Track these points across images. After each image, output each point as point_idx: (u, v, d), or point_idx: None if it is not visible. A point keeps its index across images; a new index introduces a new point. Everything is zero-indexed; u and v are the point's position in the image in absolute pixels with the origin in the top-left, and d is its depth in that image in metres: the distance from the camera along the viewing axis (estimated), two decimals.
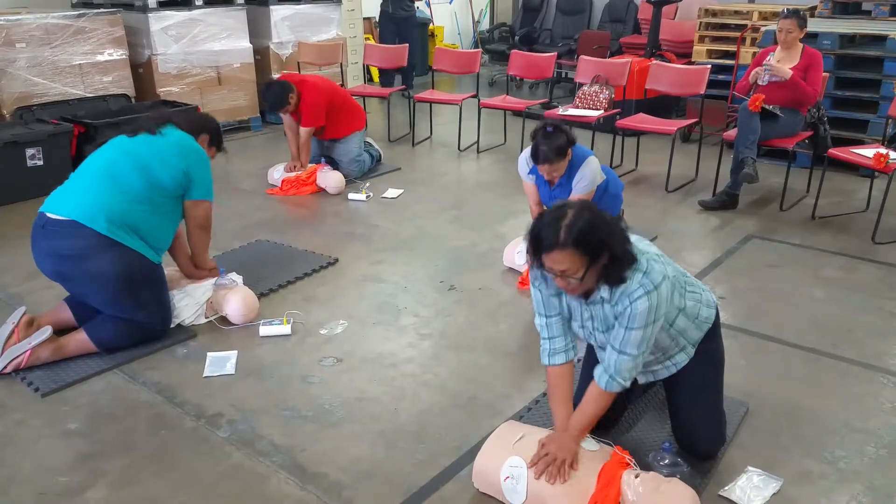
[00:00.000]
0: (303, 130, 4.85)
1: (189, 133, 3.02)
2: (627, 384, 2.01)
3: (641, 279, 1.90)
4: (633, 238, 2.02)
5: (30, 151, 4.63)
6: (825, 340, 2.96)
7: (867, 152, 4.11)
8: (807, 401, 2.55)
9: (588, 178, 3.30)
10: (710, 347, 2.19)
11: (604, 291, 1.95)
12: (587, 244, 1.81)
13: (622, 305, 1.92)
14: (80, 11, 5.50)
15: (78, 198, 2.74)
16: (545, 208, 3.55)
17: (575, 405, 2.10)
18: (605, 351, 2.04)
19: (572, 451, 1.98)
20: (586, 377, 2.24)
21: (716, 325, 2.20)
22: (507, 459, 2.03)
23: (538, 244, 1.85)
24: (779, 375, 2.72)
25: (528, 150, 3.30)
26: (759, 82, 4.41)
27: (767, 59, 4.43)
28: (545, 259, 1.85)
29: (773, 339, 2.98)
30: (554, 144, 3.14)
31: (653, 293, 1.90)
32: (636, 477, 1.94)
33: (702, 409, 2.20)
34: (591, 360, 2.28)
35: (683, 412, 2.21)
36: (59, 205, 2.73)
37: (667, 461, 2.05)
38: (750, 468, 2.18)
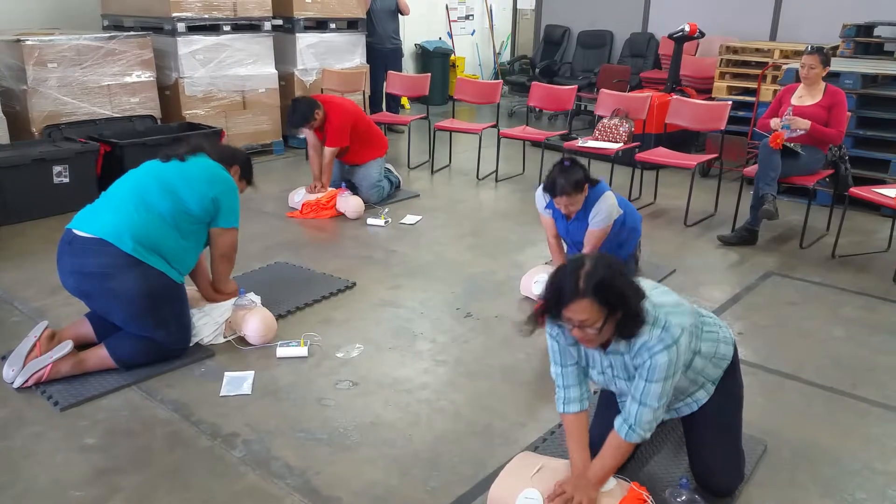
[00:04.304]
0: (327, 150, 4.92)
1: (220, 163, 3.07)
2: (647, 435, 1.99)
3: (660, 334, 1.90)
4: (649, 286, 2.02)
5: (57, 169, 4.72)
6: (845, 380, 2.92)
7: (889, 192, 4.10)
8: (826, 440, 2.51)
9: (604, 212, 3.32)
10: (729, 384, 2.18)
11: (621, 345, 1.96)
12: (605, 294, 1.82)
13: (641, 359, 1.93)
14: (111, 34, 5.63)
15: (106, 217, 2.78)
16: (563, 243, 3.57)
17: (591, 439, 2.09)
18: (625, 398, 2.03)
19: (591, 497, 1.97)
20: (601, 413, 2.24)
21: (734, 363, 2.19)
22: (524, 491, 2.01)
23: (558, 296, 1.85)
24: (798, 414, 2.69)
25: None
26: (781, 126, 4.32)
27: (786, 114, 4.33)
28: (565, 310, 1.85)
29: (792, 377, 2.95)
30: (571, 178, 3.17)
31: (672, 348, 1.90)
32: None
33: (720, 447, 2.17)
34: (605, 395, 2.27)
35: (701, 449, 2.19)
36: (87, 223, 2.78)
37: (684, 498, 2.03)
38: None
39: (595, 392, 2.41)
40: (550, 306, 1.89)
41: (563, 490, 1.97)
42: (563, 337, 2.06)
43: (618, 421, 2.02)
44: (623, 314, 1.86)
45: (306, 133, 4.99)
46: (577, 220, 3.37)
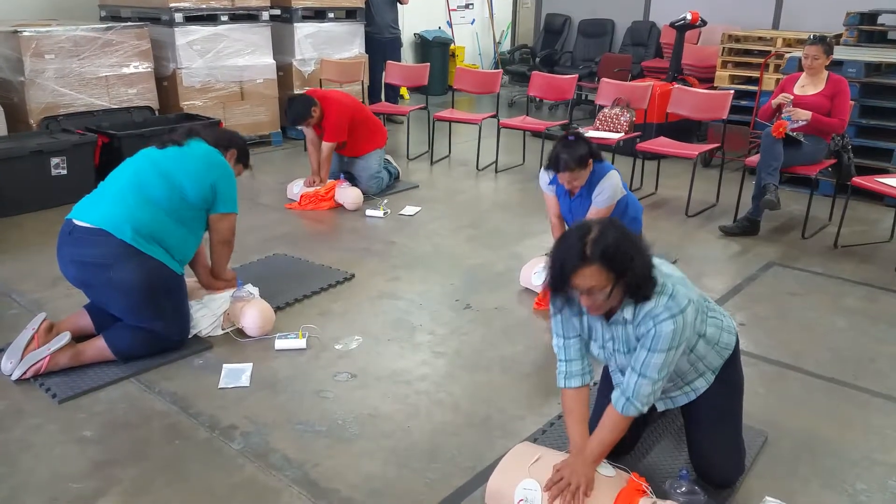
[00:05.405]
0: (325, 145, 4.89)
1: (216, 148, 3.05)
2: (644, 409, 1.98)
3: (667, 302, 1.88)
4: (657, 261, 2.01)
5: (54, 161, 4.70)
6: (846, 371, 2.91)
7: (892, 181, 4.07)
8: (827, 431, 2.50)
9: (608, 191, 3.28)
10: (729, 374, 2.17)
11: (627, 312, 1.94)
12: (613, 259, 1.80)
13: (645, 327, 1.90)
14: (109, 24, 5.60)
15: (106, 207, 2.77)
16: (566, 224, 3.54)
17: (591, 432, 2.07)
18: (623, 374, 2.02)
19: (588, 477, 1.95)
20: (602, 403, 2.22)
21: (736, 352, 2.18)
22: (522, 481, 2.00)
23: (565, 262, 1.83)
24: (798, 405, 2.68)
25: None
26: (783, 117, 4.28)
27: (787, 108, 4.28)
28: (573, 277, 1.83)
29: (793, 367, 2.94)
30: (575, 153, 3.13)
31: (678, 317, 1.88)
32: None
33: (720, 438, 2.16)
34: (606, 385, 2.25)
35: (702, 440, 2.18)
36: (87, 213, 2.77)
37: (684, 489, 2.02)
38: (768, 498, 2.13)
39: (595, 384, 2.39)
40: (557, 273, 1.86)
41: (561, 476, 1.96)
42: (567, 307, 2.03)
43: (615, 394, 2.01)
44: (632, 278, 1.84)
45: (304, 128, 4.97)
46: (581, 197, 3.33)
